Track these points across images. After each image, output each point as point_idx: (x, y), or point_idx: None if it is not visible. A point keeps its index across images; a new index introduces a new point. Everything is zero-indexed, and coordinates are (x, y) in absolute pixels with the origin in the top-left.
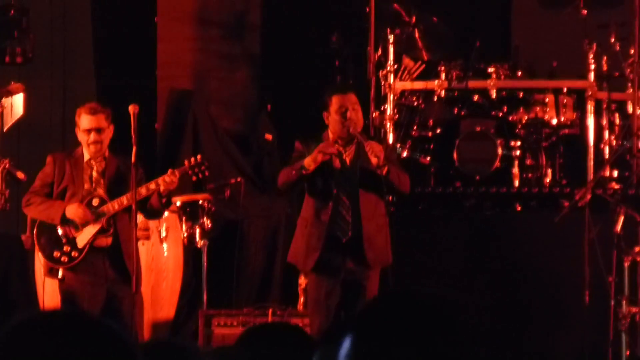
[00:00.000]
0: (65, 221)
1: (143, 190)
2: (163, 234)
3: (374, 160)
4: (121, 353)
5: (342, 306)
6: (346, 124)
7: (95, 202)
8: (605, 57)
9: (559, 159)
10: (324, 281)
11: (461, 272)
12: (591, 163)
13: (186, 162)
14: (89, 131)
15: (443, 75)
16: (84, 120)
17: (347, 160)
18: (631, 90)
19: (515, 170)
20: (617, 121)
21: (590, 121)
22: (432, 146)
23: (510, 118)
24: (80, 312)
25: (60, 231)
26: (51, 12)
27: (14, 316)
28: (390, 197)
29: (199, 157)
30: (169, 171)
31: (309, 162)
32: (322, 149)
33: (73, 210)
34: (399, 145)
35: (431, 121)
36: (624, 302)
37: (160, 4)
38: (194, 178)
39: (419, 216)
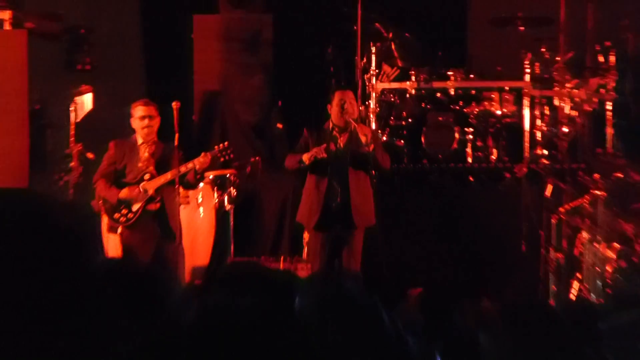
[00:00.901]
0: (120, 202)
1: (183, 168)
2: (199, 200)
3: (363, 138)
4: (160, 290)
5: (335, 256)
6: (344, 113)
7: (146, 177)
8: (537, 64)
9: (502, 141)
10: (321, 236)
11: (428, 228)
12: (527, 144)
13: (216, 147)
14: (142, 118)
15: (413, 78)
16: (139, 110)
17: (341, 144)
18: (557, 88)
19: (469, 150)
20: (546, 112)
21: (526, 112)
22: (405, 132)
23: (465, 110)
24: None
25: (119, 199)
26: (111, 30)
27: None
28: (374, 172)
29: (226, 143)
30: (202, 154)
31: (306, 158)
32: (315, 153)
33: (124, 193)
34: (380, 131)
35: (404, 113)
36: (551, 250)
37: (196, 25)
38: (222, 159)
39: (395, 186)
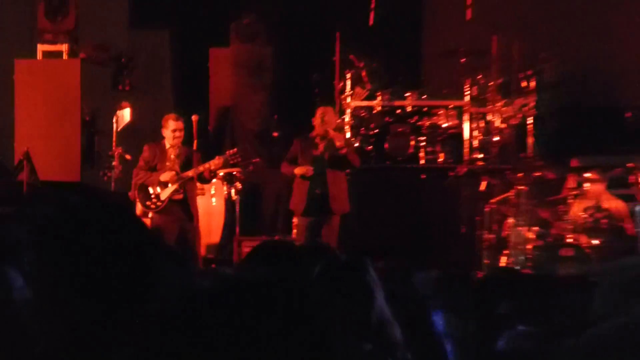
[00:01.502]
0: (159, 183)
1: (200, 168)
2: (212, 192)
3: (338, 143)
4: (178, 268)
5: (316, 235)
6: (323, 124)
7: (173, 174)
8: (475, 87)
9: (447, 147)
10: (307, 220)
11: (390, 214)
12: (466, 150)
13: (227, 151)
14: (174, 130)
15: (379, 98)
16: (171, 124)
17: (322, 149)
18: (490, 106)
19: (421, 154)
20: (482, 125)
21: (466, 125)
22: (372, 140)
23: (419, 123)
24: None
25: (151, 190)
26: (146, 58)
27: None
28: (348, 170)
29: (235, 150)
30: (217, 157)
31: (297, 173)
32: (305, 172)
33: (165, 177)
34: (353, 139)
35: (372, 125)
36: (485, 232)
37: (212, 56)
38: (232, 161)
39: (365, 181)
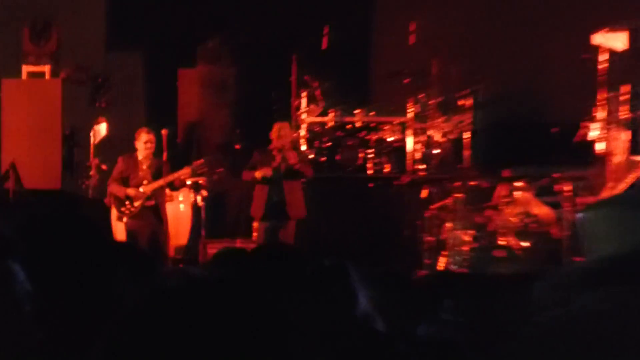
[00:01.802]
0: (127, 197)
1: (170, 177)
2: (181, 198)
3: (292, 161)
4: (148, 268)
5: (275, 238)
6: (279, 139)
7: (145, 182)
8: (417, 105)
9: (393, 159)
10: (265, 225)
11: (341, 219)
12: (410, 161)
13: (194, 162)
14: (145, 142)
15: (332, 114)
16: (143, 136)
17: (278, 160)
18: (430, 122)
19: (370, 165)
20: (423, 139)
21: (409, 139)
22: (325, 152)
23: (367, 137)
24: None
25: (125, 196)
26: (121, 78)
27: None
28: (304, 180)
29: (201, 161)
30: (184, 167)
31: (258, 176)
32: (264, 173)
33: (131, 192)
34: (308, 151)
35: (325, 139)
36: (426, 235)
37: (180, 76)
38: (198, 171)
39: (319, 189)
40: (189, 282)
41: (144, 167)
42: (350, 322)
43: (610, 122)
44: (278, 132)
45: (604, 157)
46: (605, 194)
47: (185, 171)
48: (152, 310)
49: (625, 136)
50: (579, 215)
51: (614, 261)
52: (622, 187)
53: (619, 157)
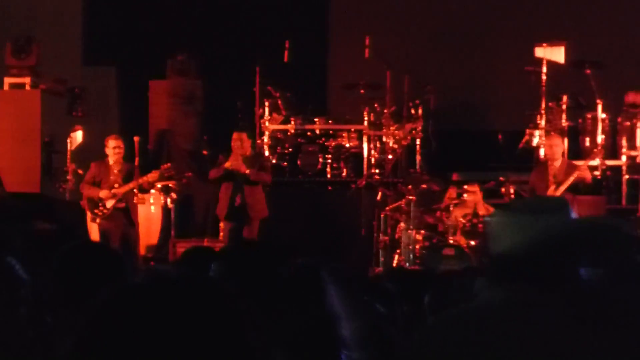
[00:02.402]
0: (99, 200)
1: (140, 181)
2: (151, 201)
3: (247, 172)
4: (118, 266)
5: (239, 237)
6: (237, 148)
7: (116, 186)
8: (372, 114)
9: (349, 164)
10: (230, 225)
11: (303, 219)
12: (365, 166)
13: (162, 166)
14: (114, 147)
15: (293, 122)
16: (111, 142)
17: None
18: (385, 130)
19: (328, 169)
20: (378, 145)
21: (365, 145)
22: (287, 157)
23: (326, 144)
24: (104, 245)
25: (97, 198)
26: (96, 89)
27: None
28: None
29: (168, 165)
30: (153, 171)
31: (227, 165)
32: (232, 160)
33: (102, 194)
34: (271, 156)
35: (287, 145)
36: (381, 234)
37: (152, 87)
38: (166, 174)
39: (281, 192)
40: (155, 279)
41: (115, 171)
42: (316, 321)
43: (551, 129)
44: (239, 140)
45: (545, 162)
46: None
47: (153, 175)
48: (119, 306)
49: (562, 142)
50: (486, 218)
51: (502, 260)
52: (562, 188)
53: (558, 162)
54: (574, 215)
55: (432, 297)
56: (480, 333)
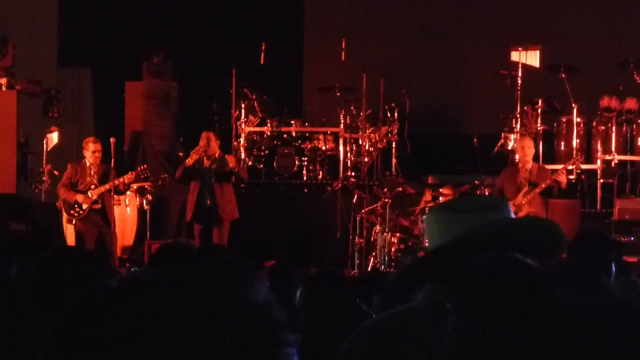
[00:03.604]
0: (75, 202)
1: (116, 182)
2: (127, 202)
3: (231, 165)
4: (99, 266)
5: (209, 239)
6: (204, 147)
7: (92, 187)
8: (348, 117)
9: (325, 166)
10: (199, 227)
11: (278, 221)
12: (341, 168)
13: (139, 168)
14: (93, 151)
15: (269, 124)
16: (91, 146)
17: (208, 164)
18: (361, 133)
19: (304, 172)
20: (354, 148)
21: (341, 148)
22: (263, 159)
23: (302, 146)
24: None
25: (74, 201)
26: (71, 90)
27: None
28: (243, 185)
29: (145, 166)
30: (129, 172)
31: (188, 161)
32: (195, 152)
33: (79, 199)
34: (247, 158)
35: (263, 147)
36: (357, 237)
37: (127, 88)
38: (142, 176)
39: (257, 194)
40: (128, 282)
41: (92, 172)
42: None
43: (526, 133)
44: (206, 140)
45: (516, 164)
46: (519, 198)
47: (129, 176)
48: (93, 309)
49: (533, 144)
50: (423, 217)
51: (430, 258)
52: (537, 191)
53: (529, 164)
54: (510, 214)
55: (380, 298)
56: (403, 337)
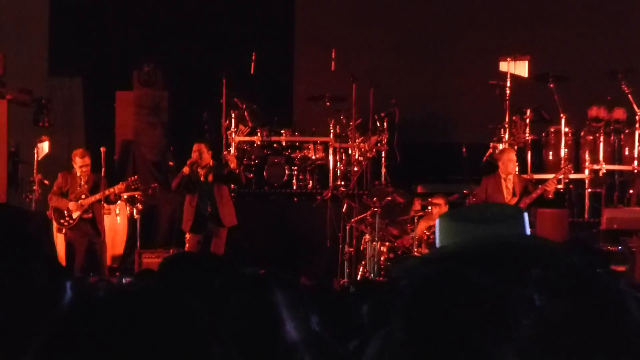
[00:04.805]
0: (67, 210)
1: (106, 192)
2: (117, 211)
3: (232, 165)
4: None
5: (207, 246)
6: (196, 159)
7: (83, 197)
8: (338, 126)
9: (315, 175)
10: (194, 236)
11: (269, 229)
12: (331, 178)
13: (129, 179)
14: (81, 166)
15: (259, 134)
16: (78, 160)
17: (203, 174)
18: (350, 142)
19: (294, 181)
20: (343, 157)
21: (331, 157)
22: (254, 169)
23: (292, 155)
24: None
25: (65, 210)
26: (62, 100)
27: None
28: (233, 186)
29: (135, 177)
30: (120, 183)
31: (185, 170)
32: (189, 163)
33: (71, 206)
34: (237, 168)
35: (253, 156)
36: (346, 246)
37: (118, 98)
38: (133, 186)
39: (248, 203)
40: (114, 292)
41: (82, 182)
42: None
43: (515, 143)
44: (199, 151)
45: (499, 175)
46: None
47: (120, 186)
48: (78, 320)
49: (514, 155)
50: (437, 219)
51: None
52: (528, 201)
53: (511, 175)
54: (525, 228)
55: (371, 305)
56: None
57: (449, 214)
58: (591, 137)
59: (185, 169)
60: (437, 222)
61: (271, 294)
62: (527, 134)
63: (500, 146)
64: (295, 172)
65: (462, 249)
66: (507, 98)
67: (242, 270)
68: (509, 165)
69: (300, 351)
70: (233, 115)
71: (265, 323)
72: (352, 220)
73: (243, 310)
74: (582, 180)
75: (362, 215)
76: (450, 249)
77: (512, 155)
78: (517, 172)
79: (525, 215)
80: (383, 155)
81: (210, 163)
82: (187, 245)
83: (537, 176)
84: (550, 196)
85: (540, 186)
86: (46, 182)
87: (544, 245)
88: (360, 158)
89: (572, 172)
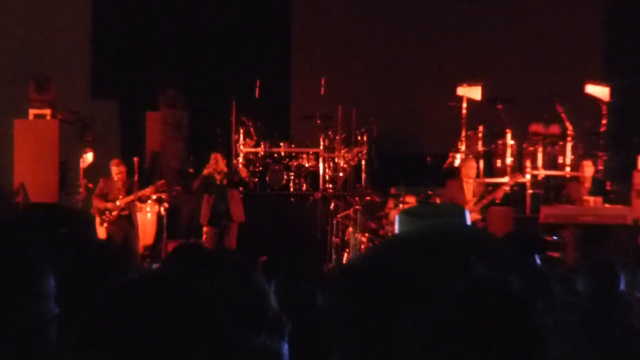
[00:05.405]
0: (106, 208)
1: (139, 194)
2: (148, 209)
3: (244, 174)
4: (122, 260)
5: (222, 239)
6: (213, 165)
7: (120, 197)
8: (326, 140)
9: (308, 180)
10: (212, 229)
11: (270, 225)
12: (321, 181)
13: (157, 183)
14: (117, 173)
15: (262, 146)
16: (115, 169)
17: (218, 180)
18: (337, 153)
19: (291, 184)
20: (331, 165)
21: (321, 165)
22: (258, 174)
23: (289, 163)
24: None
25: (105, 208)
26: (102, 119)
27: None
28: (242, 188)
29: (162, 181)
30: (150, 186)
31: (205, 172)
32: (207, 168)
33: (109, 206)
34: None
35: (258, 164)
36: (333, 237)
37: (148, 117)
38: (160, 189)
39: (253, 203)
40: (146, 277)
41: (119, 186)
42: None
43: (469, 153)
44: (215, 160)
45: (461, 179)
46: (471, 207)
47: (150, 189)
48: (116, 301)
49: (475, 163)
50: (396, 217)
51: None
52: (485, 202)
53: (471, 180)
54: (466, 221)
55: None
56: None
57: (406, 210)
58: (532, 148)
59: (205, 171)
60: (396, 217)
61: (254, 274)
62: (479, 146)
63: (458, 156)
64: (292, 177)
65: (413, 235)
66: (464, 117)
67: (232, 257)
68: (471, 171)
69: (283, 317)
70: (241, 130)
71: (252, 295)
72: (338, 216)
73: (233, 287)
74: (524, 184)
75: (346, 212)
76: (404, 236)
77: (473, 163)
78: (475, 177)
79: (467, 211)
80: (363, 163)
81: (225, 170)
82: (204, 236)
83: (488, 180)
84: (497, 201)
85: (492, 193)
86: (90, 185)
87: (480, 233)
88: (344, 166)
89: (523, 177)
